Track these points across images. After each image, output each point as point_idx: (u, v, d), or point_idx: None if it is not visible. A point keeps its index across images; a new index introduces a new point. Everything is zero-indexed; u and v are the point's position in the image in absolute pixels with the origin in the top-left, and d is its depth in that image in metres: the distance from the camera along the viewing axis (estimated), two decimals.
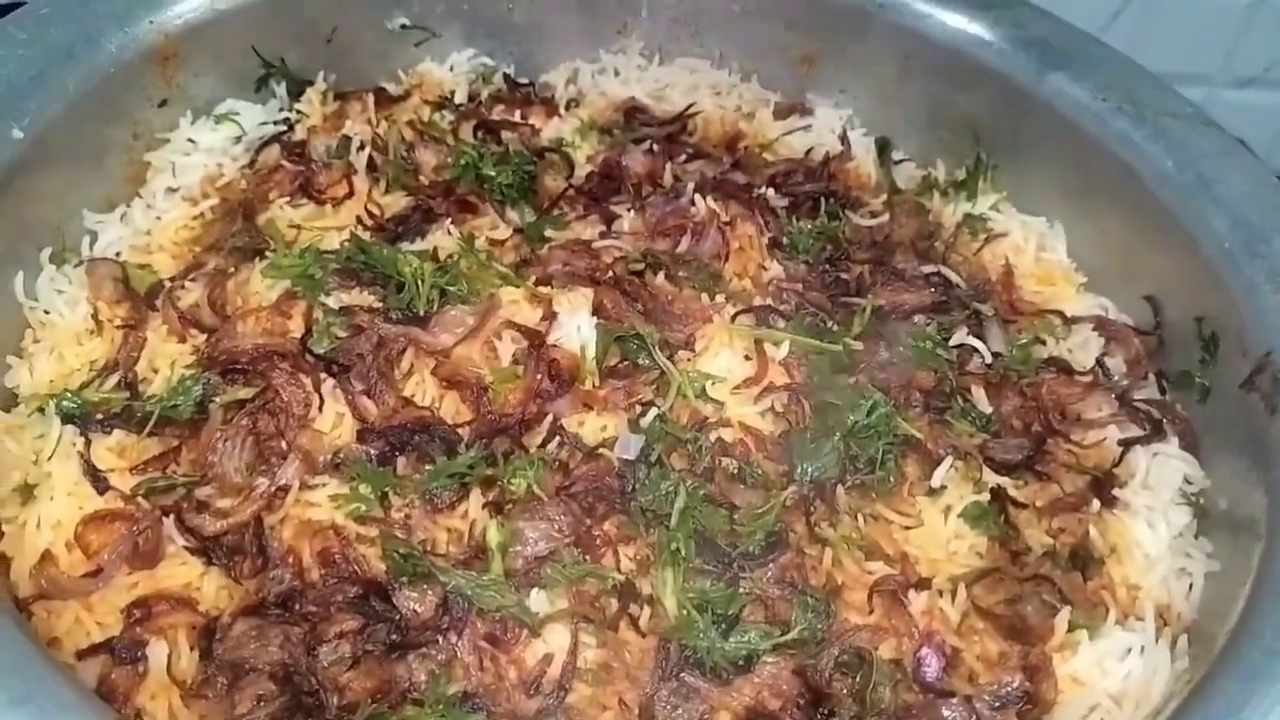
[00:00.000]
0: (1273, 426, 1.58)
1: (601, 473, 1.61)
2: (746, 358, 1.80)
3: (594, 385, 1.73)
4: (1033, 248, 2.08)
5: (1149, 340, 1.89)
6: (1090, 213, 2.02)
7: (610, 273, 1.87)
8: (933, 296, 1.95)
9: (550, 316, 1.79)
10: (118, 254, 1.85)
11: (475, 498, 1.57)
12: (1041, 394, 1.83)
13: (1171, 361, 1.85)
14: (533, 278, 1.85)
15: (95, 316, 1.74)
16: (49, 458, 1.56)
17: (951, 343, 1.87)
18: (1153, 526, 1.65)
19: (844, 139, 2.25)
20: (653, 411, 1.69)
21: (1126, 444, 1.74)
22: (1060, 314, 1.95)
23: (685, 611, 1.49)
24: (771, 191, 2.08)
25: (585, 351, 1.75)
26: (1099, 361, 1.89)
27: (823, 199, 2.08)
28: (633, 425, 1.68)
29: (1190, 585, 1.60)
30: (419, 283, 1.77)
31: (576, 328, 1.77)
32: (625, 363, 1.77)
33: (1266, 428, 1.59)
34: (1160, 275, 1.89)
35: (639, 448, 1.63)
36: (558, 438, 1.65)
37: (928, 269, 2.00)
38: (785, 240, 2.00)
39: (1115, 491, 1.70)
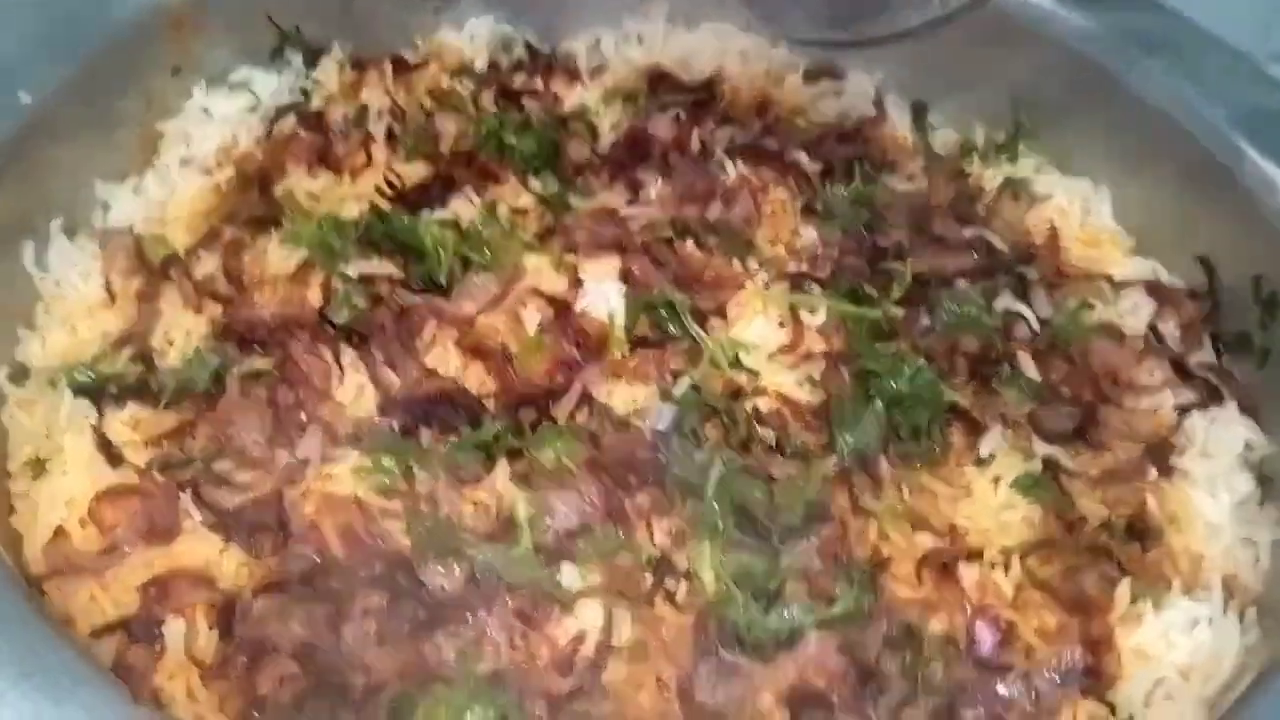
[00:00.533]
0: None
1: (633, 444, 1.55)
2: (781, 325, 1.72)
3: (623, 355, 1.66)
4: (1078, 210, 1.99)
5: (1203, 303, 1.81)
6: (1136, 173, 1.93)
7: (638, 240, 1.80)
8: (974, 261, 1.87)
9: (577, 284, 1.72)
10: (131, 226, 1.80)
11: (502, 470, 1.50)
12: (1091, 360, 1.75)
13: (1227, 324, 1.77)
14: (558, 246, 1.79)
15: (108, 288, 1.69)
16: (61, 432, 1.51)
17: (996, 308, 1.79)
18: (1214, 495, 1.57)
19: (878, 103, 2.17)
20: (685, 381, 1.62)
21: (1183, 410, 1.66)
22: (1109, 278, 1.87)
23: (724, 586, 1.42)
24: (804, 156, 2.00)
25: (614, 320, 1.68)
26: (1151, 326, 1.80)
27: (857, 164, 2.00)
28: (664, 395, 1.61)
29: (1256, 556, 1.52)
30: (441, 251, 1.71)
31: (605, 295, 1.70)
32: (655, 332, 1.70)
33: None
34: (1213, 235, 1.81)
35: (672, 418, 1.57)
36: (586, 408, 1.58)
37: (969, 232, 1.92)
38: (820, 206, 1.92)
39: (1172, 460, 1.62)
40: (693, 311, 1.69)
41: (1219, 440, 1.63)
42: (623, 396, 1.61)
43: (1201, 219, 1.83)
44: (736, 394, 1.63)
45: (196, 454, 1.51)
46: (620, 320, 1.68)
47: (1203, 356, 1.77)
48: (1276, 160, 1.73)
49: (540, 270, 1.75)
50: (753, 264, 1.81)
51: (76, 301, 1.68)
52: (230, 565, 1.44)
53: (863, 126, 2.13)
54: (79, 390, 1.55)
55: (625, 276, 1.73)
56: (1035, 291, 1.83)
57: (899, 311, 1.75)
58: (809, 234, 1.88)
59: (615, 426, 1.57)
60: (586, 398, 1.59)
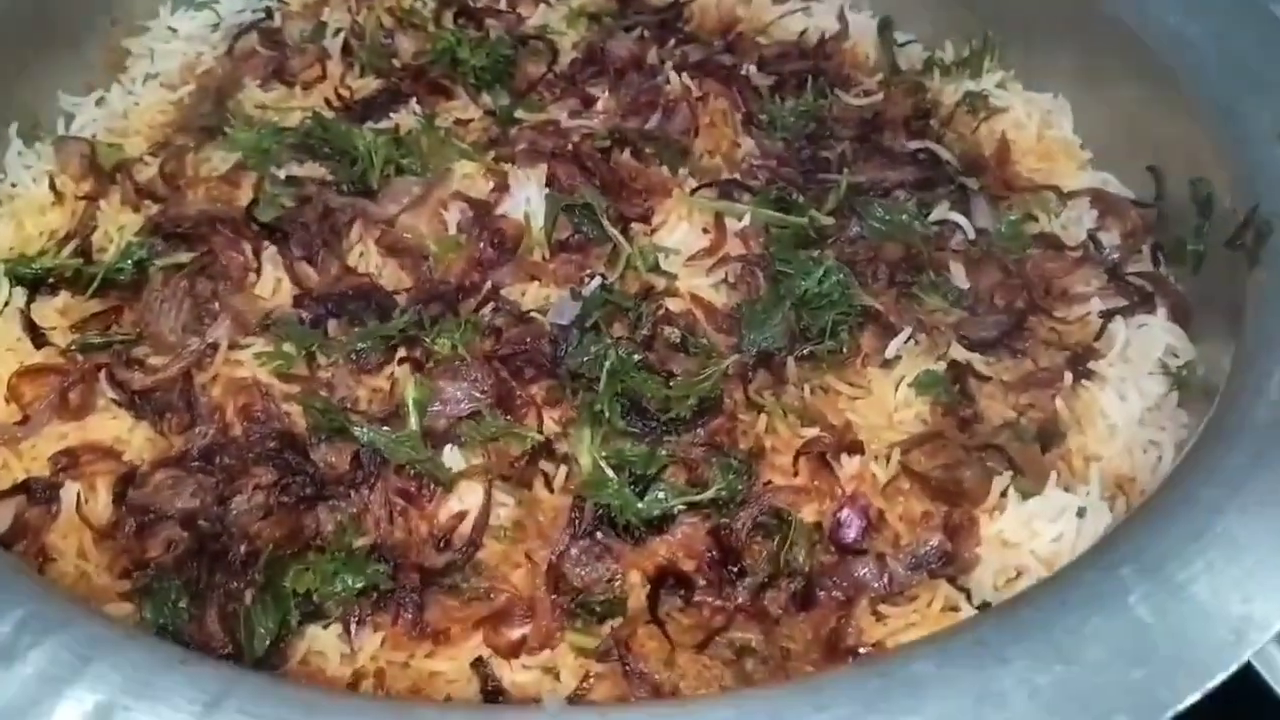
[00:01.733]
0: (1250, 279, 1.43)
1: (533, 337, 1.57)
2: (705, 232, 1.73)
3: (543, 257, 1.69)
4: (1035, 124, 1.94)
5: (1148, 214, 1.74)
6: (1097, 86, 1.88)
7: (571, 148, 1.82)
8: (916, 172, 1.84)
9: (502, 189, 1.75)
10: (93, 135, 1.89)
11: (399, 359, 1.54)
12: (1026, 269, 1.71)
13: (1170, 233, 1.70)
14: (492, 154, 1.82)
15: (54, 188, 1.78)
16: None
17: (931, 218, 1.75)
18: (1124, 397, 1.52)
19: (841, 16, 2.13)
20: (596, 280, 1.63)
21: (1108, 315, 1.61)
22: (1056, 189, 1.81)
23: (599, 470, 1.44)
24: (754, 69, 1.98)
25: (531, 221, 1.71)
26: (1091, 235, 1.75)
27: (810, 78, 1.97)
28: (575, 295, 1.63)
29: (1159, 458, 1.47)
30: (373, 156, 1.75)
31: (526, 198, 1.73)
32: (578, 236, 1.72)
33: (1243, 285, 1.44)
34: (1162, 142, 1.74)
35: (574, 313, 1.59)
36: (492, 304, 1.61)
37: (915, 145, 1.89)
38: (764, 118, 1.91)
39: (1091, 364, 1.57)
40: (617, 218, 1.71)
41: (1140, 346, 1.58)
42: (535, 296, 1.64)
43: (1152, 127, 1.76)
44: (648, 294, 1.64)
45: (116, 337, 1.59)
46: (538, 222, 1.70)
47: (1141, 266, 1.71)
48: (1222, 59, 1.65)
49: (470, 176, 1.78)
50: (684, 172, 1.81)
51: (27, 200, 1.78)
52: (138, 441, 1.52)
53: (824, 42, 2.10)
54: (17, 279, 1.64)
55: (550, 181, 1.75)
56: (976, 202, 1.79)
57: (828, 220, 1.73)
58: (748, 145, 1.88)
59: (517, 319, 1.59)
60: (494, 294, 1.62)
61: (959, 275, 1.69)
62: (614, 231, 1.69)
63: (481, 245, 1.69)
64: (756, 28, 2.17)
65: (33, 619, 1.14)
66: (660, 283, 1.66)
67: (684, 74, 1.96)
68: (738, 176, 1.82)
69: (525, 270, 1.68)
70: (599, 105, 1.95)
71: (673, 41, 2.09)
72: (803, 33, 2.13)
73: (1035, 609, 1.10)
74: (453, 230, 1.71)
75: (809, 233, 1.72)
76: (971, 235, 1.74)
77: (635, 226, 1.73)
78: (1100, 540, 1.26)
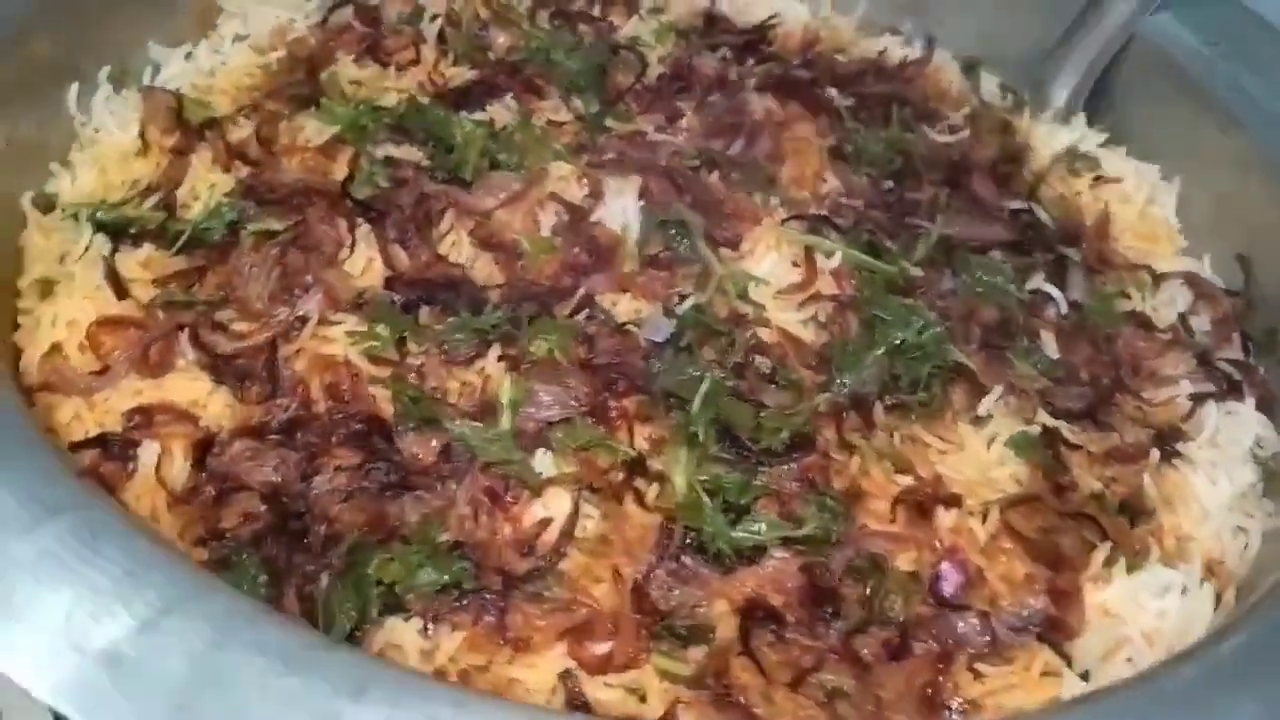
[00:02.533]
0: None
1: (627, 350, 1.54)
2: (794, 265, 1.71)
3: (634, 270, 1.66)
4: (1142, 199, 1.94)
5: (1238, 302, 1.76)
6: (1187, 162, 1.90)
7: (663, 164, 1.80)
8: (1011, 233, 1.83)
9: (597, 195, 1.73)
10: (178, 89, 1.84)
11: (493, 354, 1.51)
12: (1117, 347, 1.70)
13: (1260, 323, 1.72)
14: (585, 159, 1.79)
15: (143, 137, 1.72)
16: (76, 260, 1.55)
17: (1028, 286, 1.74)
18: (1214, 482, 1.53)
19: (928, 43, 2.14)
20: (690, 300, 1.61)
21: (1197, 399, 1.62)
22: (1150, 269, 1.82)
23: (695, 493, 1.41)
24: (835, 91, 1.97)
25: (627, 233, 1.69)
26: (1181, 317, 1.75)
27: (894, 106, 1.96)
28: (667, 313, 1.60)
29: (1246, 544, 1.48)
30: (470, 146, 1.72)
31: (621, 209, 1.71)
32: (668, 253, 1.69)
33: None
34: (1255, 231, 1.76)
35: (669, 331, 1.56)
36: (587, 311, 1.58)
37: (1015, 204, 1.88)
38: (849, 149, 1.89)
39: (1179, 446, 1.57)
40: (706, 237, 1.69)
41: (1229, 431, 1.59)
42: (626, 308, 1.61)
43: (1245, 214, 1.78)
44: (740, 321, 1.62)
45: (201, 298, 1.54)
46: (633, 235, 1.68)
47: (1230, 353, 1.72)
48: None
49: (565, 178, 1.75)
50: (773, 201, 1.80)
51: (111, 146, 1.72)
52: (216, 406, 1.47)
53: (905, 66, 2.10)
54: (99, 225, 1.58)
55: (644, 194, 1.73)
56: (1074, 273, 1.78)
57: (918, 271, 1.72)
58: (833, 181, 1.86)
59: (612, 332, 1.56)
60: (588, 301, 1.59)
61: (1050, 345, 1.68)
62: (708, 252, 1.67)
63: (576, 250, 1.66)
64: (835, 47, 2.17)
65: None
66: (749, 310, 1.64)
67: (767, 95, 1.95)
68: (825, 213, 1.80)
69: (617, 281, 1.65)
70: (683, 123, 1.93)
71: (752, 61, 2.07)
72: (881, 53, 2.13)
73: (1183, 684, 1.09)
74: (546, 231, 1.68)
75: (898, 281, 1.71)
76: (1064, 309, 1.73)
77: (724, 251, 1.71)
78: (1221, 629, 1.25)
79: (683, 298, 1.63)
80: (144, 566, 1.11)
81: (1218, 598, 1.40)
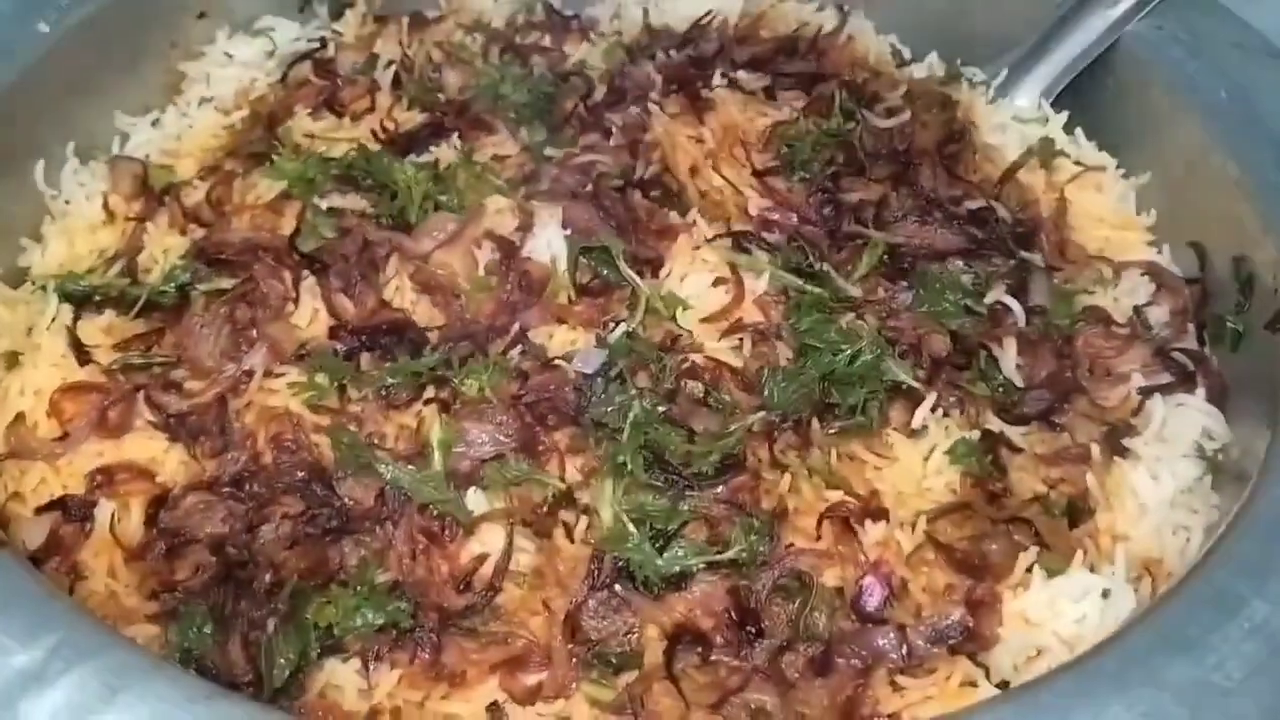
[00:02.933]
0: None
1: (558, 383, 1.57)
2: (717, 284, 1.69)
3: (569, 300, 1.69)
4: (1117, 189, 1.89)
5: (1196, 291, 1.72)
6: (1138, 149, 1.86)
7: (590, 187, 1.81)
8: (966, 241, 1.75)
9: (526, 228, 1.75)
10: (146, 155, 1.93)
11: (427, 396, 1.56)
12: (1077, 347, 1.67)
13: (1211, 310, 1.69)
14: (522, 191, 1.82)
15: (107, 208, 1.81)
16: (45, 330, 1.64)
17: (987, 300, 1.68)
18: (1156, 478, 1.51)
19: (841, 7, 2.11)
20: (621, 327, 1.63)
21: (1145, 392, 1.59)
22: (1110, 261, 1.78)
23: (620, 524, 1.44)
24: (744, 74, 1.95)
25: (556, 264, 1.71)
26: (1137, 310, 1.72)
27: (837, 92, 1.90)
28: (600, 342, 1.63)
29: (1188, 540, 1.46)
30: (411, 190, 1.78)
31: (547, 241, 1.73)
32: (598, 280, 1.70)
33: None
34: (1207, 217, 1.73)
35: (599, 362, 1.58)
36: (520, 346, 1.62)
37: (974, 204, 1.80)
38: (784, 150, 1.85)
39: (1126, 441, 1.56)
40: (631, 259, 1.69)
41: (1177, 426, 1.57)
42: (562, 340, 1.65)
43: (1196, 200, 1.75)
44: (674, 344, 1.63)
45: (156, 359, 1.62)
46: (563, 265, 1.70)
47: (1187, 343, 1.69)
48: (1267, 139, 1.65)
49: (501, 213, 1.78)
50: (694, 214, 1.79)
51: (78, 218, 1.82)
52: (172, 463, 1.55)
53: (817, 39, 2.06)
54: (65, 296, 1.67)
55: (567, 222, 1.74)
56: (1036, 279, 1.72)
57: (856, 292, 1.68)
58: (756, 200, 1.81)
59: (542, 366, 1.60)
60: (522, 337, 1.63)
61: (1009, 356, 1.62)
62: (631, 275, 1.67)
63: (509, 286, 1.69)
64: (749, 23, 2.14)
65: (65, 645, 1.16)
66: (684, 333, 1.65)
67: (667, 99, 1.95)
68: (750, 229, 1.76)
69: (552, 313, 1.68)
70: (611, 140, 1.93)
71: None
72: (799, 28, 2.09)
73: (1056, 695, 1.09)
74: (483, 269, 1.72)
75: (829, 302, 1.67)
76: (1022, 323, 1.67)
77: (662, 272, 1.71)
78: (1124, 626, 1.25)
79: (618, 323, 1.65)
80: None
81: (1152, 594, 1.39)
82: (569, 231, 1.72)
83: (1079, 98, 1.97)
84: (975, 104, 1.98)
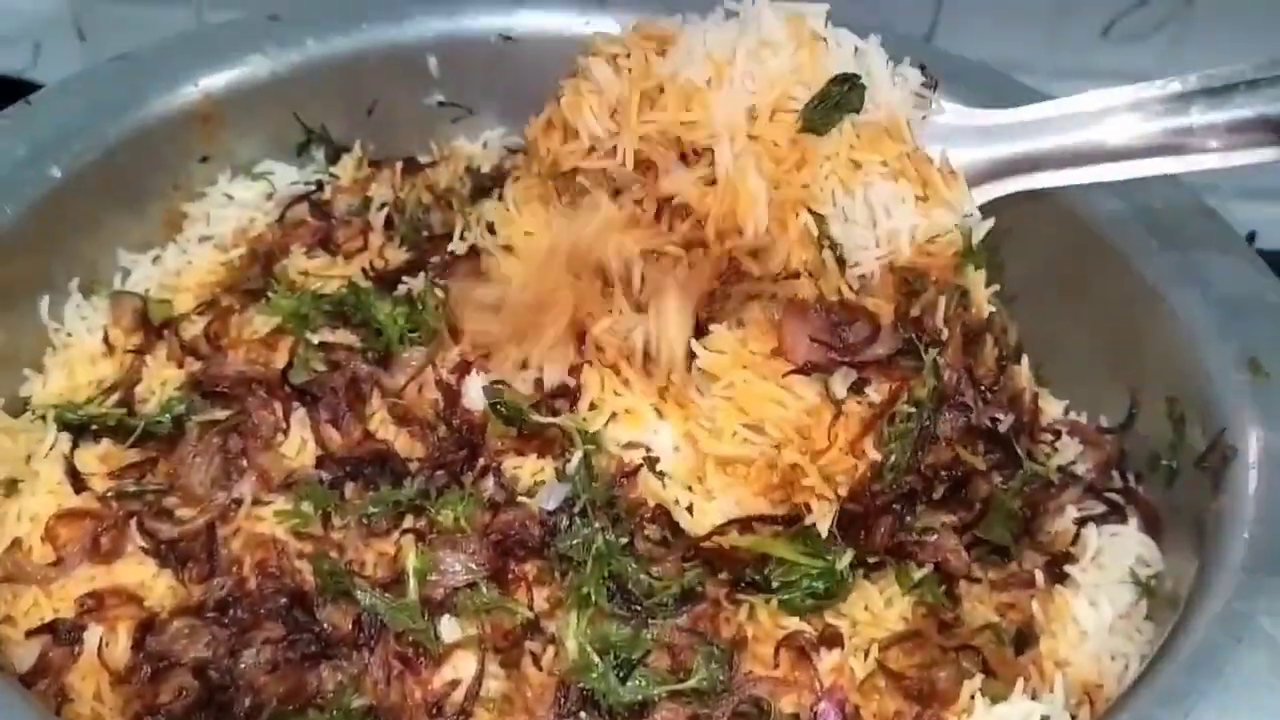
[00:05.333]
0: (1214, 503, 1.52)
1: (524, 519, 1.64)
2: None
3: (518, 434, 1.74)
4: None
5: (1118, 438, 1.83)
6: (1070, 295, 1.98)
7: None
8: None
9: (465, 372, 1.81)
10: (146, 290, 2.03)
11: (406, 525, 1.64)
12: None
13: (1146, 448, 1.79)
14: None
15: (107, 340, 1.92)
16: (43, 458, 1.72)
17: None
18: (1095, 604, 1.60)
19: None
20: (578, 457, 1.67)
21: (1081, 522, 1.69)
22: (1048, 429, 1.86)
23: (585, 654, 1.51)
24: None
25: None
26: (1064, 470, 1.79)
27: None
28: (560, 475, 1.68)
29: (1125, 666, 1.53)
30: (392, 326, 1.89)
31: (479, 388, 1.78)
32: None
33: (1208, 505, 1.52)
34: (1140, 358, 1.84)
35: (561, 498, 1.64)
36: (491, 479, 1.70)
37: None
38: None
39: (1066, 568, 1.65)
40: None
41: (1111, 553, 1.66)
42: (531, 468, 1.71)
43: (1130, 343, 1.86)
44: (630, 475, 1.68)
45: (150, 487, 1.70)
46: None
47: (1114, 484, 1.80)
48: (1197, 285, 1.77)
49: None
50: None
51: (79, 350, 1.91)
52: (160, 588, 1.61)
53: None
54: (63, 425, 1.76)
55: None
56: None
57: None
58: None
59: (505, 504, 1.66)
60: (488, 470, 1.70)
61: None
62: (546, 421, 1.71)
63: (457, 426, 1.76)
64: None
65: None
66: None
67: None
68: None
69: (513, 445, 1.74)
70: None
71: None
72: None
73: None
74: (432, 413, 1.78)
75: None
76: None
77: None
78: None
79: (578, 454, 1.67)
80: None
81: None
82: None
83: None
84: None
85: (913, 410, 1.60)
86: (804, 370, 1.64)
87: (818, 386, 1.64)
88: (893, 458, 1.58)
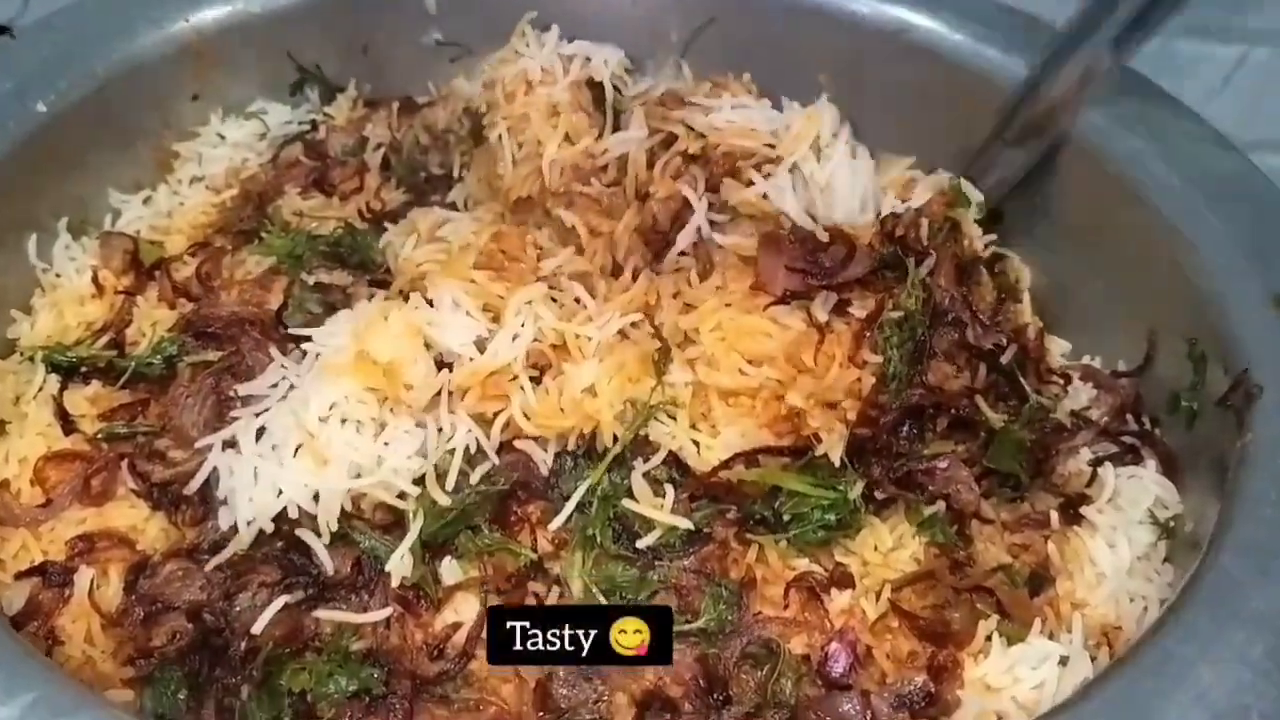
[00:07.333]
0: (1239, 442, 1.47)
1: (527, 460, 1.60)
2: None
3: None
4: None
5: (1135, 382, 1.78)
6: (1087, 237, 1.93)
7: None
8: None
9: None
10: (137, 231, 1.98)
11: None
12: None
13: (1165, 389, 1.74)
14: None
15: (97, 281, 1.86)
16: (32, 399, 1.68)
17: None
18: (1113, 546, 1.55)
19: None
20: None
21: (1096, 462, 1.65)
22: (1058, 372, 1.81)
23: (591, 594, 1.48)
24: None
25: None
26: (1077, 415, 1.74)
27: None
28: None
29: (1145, 607, 1.49)
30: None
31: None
32: None
33: (1233, 444, 1.48)
34: (1160, 300, 1.79)
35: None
36: None
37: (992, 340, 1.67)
38: None
39: (1082, 510, 1.61)
40: None
41: (1129, 494, 1.62)
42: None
43: (1148, 281, 1.81)
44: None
45: (141, 429, 1.66)
46: None
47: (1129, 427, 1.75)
48: (1220, 221, 1.72)
49: None
50: None
51: (68, 291, 1.86)
52: (152, 531, 1.57)
53: None
54: (52, 366, 1.71)
55: None
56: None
57: None
58: None
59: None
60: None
61: None
62: None
63: None
64: None
65: (41, 703, 1.18)
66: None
67: None
68: None
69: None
70: None
71: None
72: None
73: None
74: None
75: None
76: None
77: None
78: (1076, 693, 1.28)
79: None
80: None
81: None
82: None
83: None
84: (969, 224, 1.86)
85: (902, 317, 1.61)
86: (783, 300, 1.64)
87: (801, 314, 1.64)
88: (892, 365, 1.58)
